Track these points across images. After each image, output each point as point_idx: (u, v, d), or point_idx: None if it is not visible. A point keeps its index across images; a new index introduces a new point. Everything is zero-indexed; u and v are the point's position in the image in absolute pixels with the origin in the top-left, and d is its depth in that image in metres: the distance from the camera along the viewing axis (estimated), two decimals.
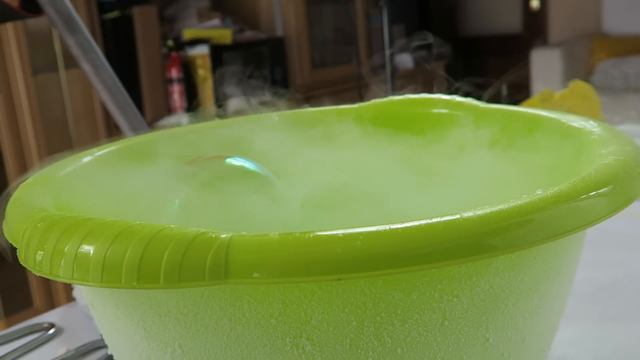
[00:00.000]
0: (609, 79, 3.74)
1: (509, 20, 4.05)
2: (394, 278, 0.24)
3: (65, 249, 0.23)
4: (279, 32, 2.78)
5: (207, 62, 2.38)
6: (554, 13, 4.09)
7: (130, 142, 0.44)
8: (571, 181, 0.25)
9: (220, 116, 0.48)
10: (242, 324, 0.25)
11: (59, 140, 2.03)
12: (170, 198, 0.36)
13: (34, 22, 1.91)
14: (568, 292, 0.32)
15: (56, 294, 2.02)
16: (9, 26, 1.86)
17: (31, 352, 0.52)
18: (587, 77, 3.83)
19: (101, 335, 0.32)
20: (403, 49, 3.02)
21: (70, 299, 0.60)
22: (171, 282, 0.22)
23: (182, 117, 2.29)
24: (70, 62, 1.98)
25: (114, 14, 2.20)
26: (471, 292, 0.25)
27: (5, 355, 0.51)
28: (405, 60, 3.32)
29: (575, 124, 0.36)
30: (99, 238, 0.23)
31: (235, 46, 2.54)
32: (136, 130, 0.78)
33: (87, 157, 0.39)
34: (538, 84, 3.61)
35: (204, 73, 2.38)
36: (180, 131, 0.47)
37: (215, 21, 2.56)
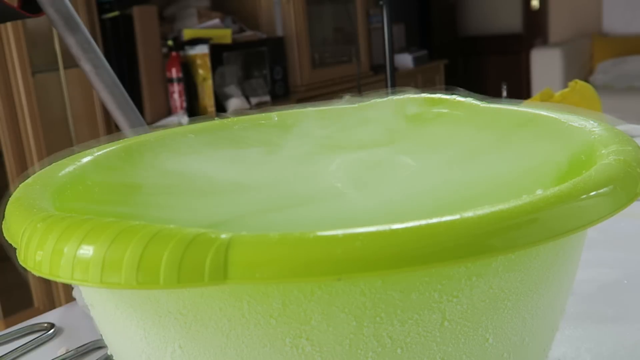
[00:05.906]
0: (609, 79, 3.74)
1: (509, 20, 4.05)
2: (394, 278, 0.24)
3: (65, 249, 0.23)
4: (279, 32, 2.78)
5: (207, 62, 2.38)
6: (554, 13, 4.09)
7: (130, 141, 0.43)
8: (571, 181, 0.25)
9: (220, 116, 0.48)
10: (241, 324, 0.25)
11: (59, 140, 2.03)
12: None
13: (34, 22, 1.91)
14: (568, 292, 0.32)
15: (56, 294, 2.02)
16: (9, 26, 1.86)
17: (31, 352, 0.52)
18: (587, 77, 3.83)
19: (101, 335, 0.32)
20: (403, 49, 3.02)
21: (70, 299, 0.60)
22: (171, 282, 0.22)
23: (182, 117, 2.29)
24: (70, 61, 1.98)
25: (114, 13, 2.20)
26: (471, 292, 0.25)
27: (5, 355, 0.51)
28: (405, 60, 3.32)
29: (575, 124, 0.36)
30: (99, 238, 0.23)
31: (235, 46, 2.54)
32: (136, 131, 0.78)
33: (87, 157, 0.39)
34: (538, 84, 3.61)
35: (204, 73, 2.38)
36: (180, 131, 0.47)
37: (215, 21, 2.56)
